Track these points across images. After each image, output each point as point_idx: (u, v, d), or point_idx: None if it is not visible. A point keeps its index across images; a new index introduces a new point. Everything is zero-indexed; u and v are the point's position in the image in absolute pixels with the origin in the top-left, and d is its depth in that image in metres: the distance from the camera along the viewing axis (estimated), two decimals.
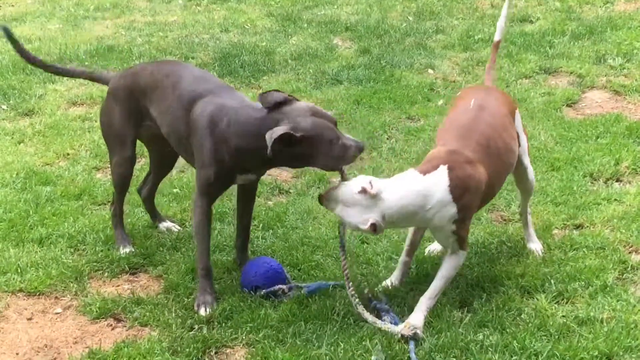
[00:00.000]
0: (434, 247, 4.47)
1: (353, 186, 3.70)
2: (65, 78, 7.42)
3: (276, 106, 3.87)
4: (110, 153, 4.63)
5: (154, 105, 4.35)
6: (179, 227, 4.90)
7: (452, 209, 3.72)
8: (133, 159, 4.59)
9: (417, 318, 3.80)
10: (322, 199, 3.82)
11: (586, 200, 4.93)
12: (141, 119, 4.45)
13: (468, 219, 3.85)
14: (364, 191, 3.65)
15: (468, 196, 3.74)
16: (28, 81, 7.35)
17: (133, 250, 4.60)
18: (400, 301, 4.03)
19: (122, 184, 4.65)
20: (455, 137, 3.93)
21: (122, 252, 4.58)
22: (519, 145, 4.21)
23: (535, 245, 4.46)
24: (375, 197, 3.64)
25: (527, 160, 4.34)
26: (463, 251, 3.89)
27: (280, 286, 4.09)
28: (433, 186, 3.69)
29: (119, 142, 4.53)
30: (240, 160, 3.98)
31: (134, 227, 4.90)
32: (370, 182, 3.66)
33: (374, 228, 3.62)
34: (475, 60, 7.52)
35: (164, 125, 4.30)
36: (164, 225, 4.88)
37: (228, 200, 5.03)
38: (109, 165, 4.74)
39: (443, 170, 3.71)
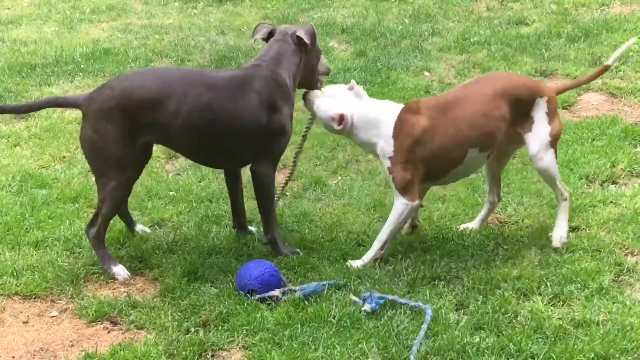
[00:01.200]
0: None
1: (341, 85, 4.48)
2: (61, 81, 7.45)
3: None
4: (103, 178, 4.31)
5: (169, 114, 4.21)
6: (149, 230, 4.85)
7: (390, 144, 4.25)
8: (134, 179, 4.40)
9: (360, 260, 4.33)
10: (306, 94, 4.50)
11: (582, 203, 4.94)
12: (140, 136, 4.27)
13: (404, 164, 4.20)
14: (351, 87, 4.38)
15: (403, 137, 4.22)
16: (24, 84, 7.34)
17: (124, 268, 4.44)
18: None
19: (116, 208, 4.43)
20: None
21: (117, 275, 4.40)
22: (529, 130, 4.38)
23: (556, 235, 4.49)
24: (356, 95, 4.36)
25: (535, 149, 4.39)
26: (402, 200, 4.24)
27: (274, 293, 4.07)
28: (388, 112, 4.31)
29: (116, 165, 4.26)
30: None
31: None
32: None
33: (341, 119, 4.26)
34: (471, 63, 7.52)
35: (193, 122, 4.24)
36: (139, 228, 4.82)
37: (224, 204, 5.03)
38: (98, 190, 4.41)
39: (399, 106, 4.36)
